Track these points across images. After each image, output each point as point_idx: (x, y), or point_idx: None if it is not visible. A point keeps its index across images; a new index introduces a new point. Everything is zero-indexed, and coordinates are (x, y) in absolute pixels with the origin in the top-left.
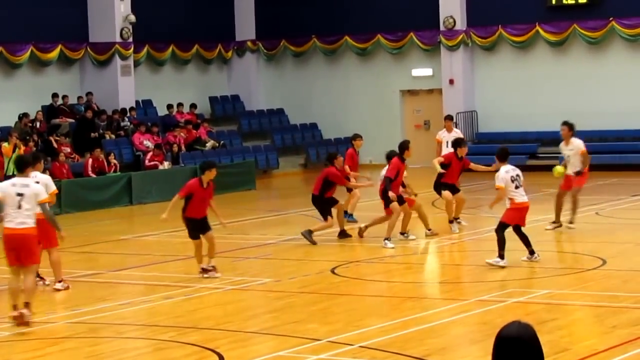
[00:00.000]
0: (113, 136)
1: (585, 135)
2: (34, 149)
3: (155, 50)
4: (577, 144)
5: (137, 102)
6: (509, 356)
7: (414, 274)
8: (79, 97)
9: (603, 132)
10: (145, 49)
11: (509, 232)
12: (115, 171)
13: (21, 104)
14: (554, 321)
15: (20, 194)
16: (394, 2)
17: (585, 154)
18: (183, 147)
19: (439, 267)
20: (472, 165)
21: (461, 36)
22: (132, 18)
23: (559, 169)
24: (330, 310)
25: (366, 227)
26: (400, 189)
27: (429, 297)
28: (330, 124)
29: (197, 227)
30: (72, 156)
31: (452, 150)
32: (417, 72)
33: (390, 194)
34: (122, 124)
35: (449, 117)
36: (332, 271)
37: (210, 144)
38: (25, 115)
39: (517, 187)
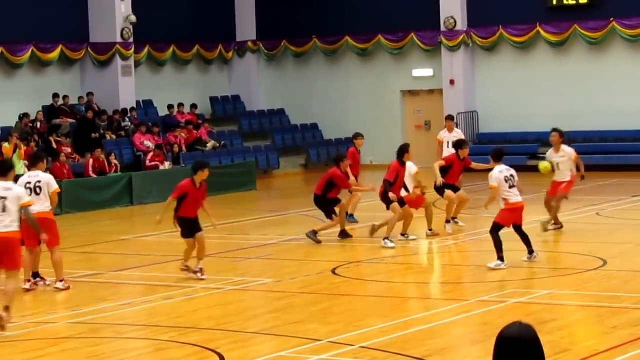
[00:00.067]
0: (114, 136)
1: (585, 136)
2: (36, 149)
3: (156, 50)
4: (569, 151)
5: (137, 102)
6: (510, 357)
7: (414, 275)
8: (80, 98)
9: (603, 133)
10: (146, 50)
11: (509, 233)
12: (116, 171)
13: (22, 105)
14: (555, 322)
15: (3, 198)
16: (394, 3)
17: (579, 159)
18: (184, 148)
19: (440, 268)
20: (474, 165)
21: (462, 36)
22: (133, 18)
23: (546, 164)
24: (331, 310)
25: (380, 225)
26: (402, 191)
27: (430, 298)
28: (330, 124)
29: (189, 226)
30: (73, 156)
31: (453, 151)
32: (417, 72)
33: (391, 194)
34: (122, 124)
35: (449, 117)
36: (333, 272)
37: (211, 144)
38: (25, 115)
39: (511, 187)
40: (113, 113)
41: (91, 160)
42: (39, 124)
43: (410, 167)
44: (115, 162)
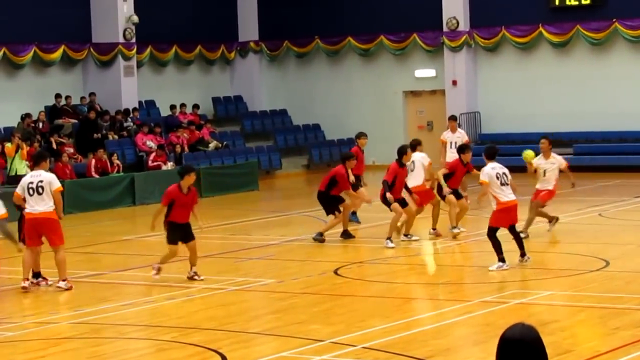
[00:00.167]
0: (116, 137)
1: (587, 137)
2: (39, 149)
3: (158, 50)
4: (559, 159)
5: (140, 102)
6: (513, 358)
7: (416, 275)
8: (82, 98)
9: (606, 134)
10: (148, 50)
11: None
12: (118, 172)
13: (24, 105)
14: (557, 323)
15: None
16: (396, 3)
17: (568, 169)
18: (186, 148)
19: (442, 268)
20: (475, 172)
21: (464, 37)
22: (135, 19)
23: (530, 153)
24: (333, 311)
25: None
26: (404, 192)
27: (432, 298)
28: (333, 124)
29: (178, 232)
30: (75, 157)
31: (456, 151)
32: (420, 73)
33: (388, 195)
34: (125, 124)
35: (452, 118)
36: (335, 272)
37: (213, 144)
38: (27, 115)
39: (502, 184)
40: (115, 113)
41: (93, 161)
42: (41, 124)
43: (423, 159)
44: (118, 162)
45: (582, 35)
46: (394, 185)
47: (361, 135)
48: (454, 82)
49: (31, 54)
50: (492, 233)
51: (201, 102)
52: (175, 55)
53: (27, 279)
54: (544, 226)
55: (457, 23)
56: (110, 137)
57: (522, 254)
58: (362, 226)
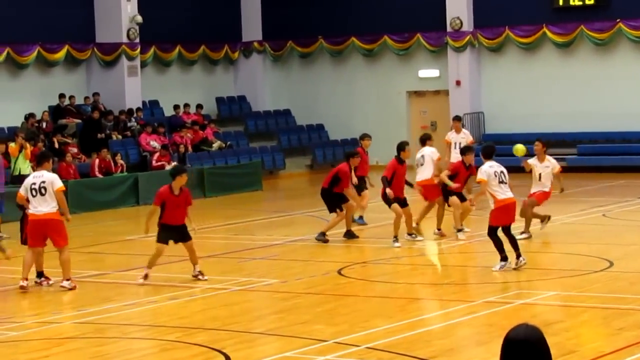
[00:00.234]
0: (120, 137)
1: (591, 137)
2: (43, 149)
3: (162, 50)
4: (553, 162)
5: (143, 102)
6: (517, 359)
7: (420, 276)
8: (86, 98)
9: (610, 134)
10: (151, 50)
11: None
12: (121, 172)
13: (28, 105)
14: (561, 323)
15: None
16: (400, 3)
17: (560, 174)
18: (190, 148)
19: (446, 269)
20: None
21: (468, 37)
22: (139, 19)
23: (520, 147)
24: (336, 311)
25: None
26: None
27: (436, 299)
28: (336, 124)
29: (171, 233)
30: (79, 157)
31: (460, 156)
32: (423, 73)
33: (388, 190)
34: (128, 124)
35: (457, 118)
36: (339, 272)
37: (216, 144)
38: (31, 115)
39: (500, 183)
40: (119, 113)
41: (97, 161)
42: (44, 124)
43: (433, 153)
44: (121, 162)
45: (586, 36)
46: (392, 181)
47: (365, 136)
48: (458, 82)
49: (35, 54)
50: (492, 232)
51: (205, 102)
52: (178, 55)
53: (26, 279)
54: (551, 226)
55: (461, 23)
56: (114, 137)
57: (518, 255)
58: (366, 226)
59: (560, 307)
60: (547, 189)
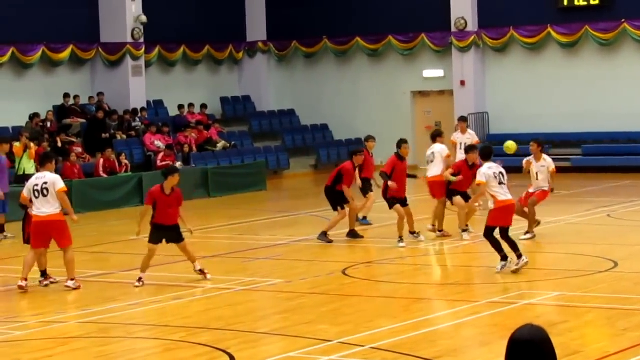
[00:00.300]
0: (124, 136)
1: (596, 137)
2: (48, 148)
3: (167, 50)
4: (549, 161)
5: (148, 102)
6: (523, 359)
7: (424, 276)
8: (90, 98)
9: (614, 134)
10: (156, 50)
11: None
12: (126, 171)
13: (32, 104)
14: (565, 323)
15: (45, 183)
16: (405, 3)
17: (554, 173)
18: (194, 148)
19: (450, 269)
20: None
21: (472, 37)
22: (144, 18)
23: (512, 144)
24: (340, 311)
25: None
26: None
27: (440, 299)
28: (341, 124)
29: (163, 233)
30: (83, 156)
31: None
32: (428, 73)
33: (390, 183)
34: (133, 124)
35: (462, 119)
36: (343, 272)
37: (221, 144)
38: (36, 115)
39: (500, 184)
40: (123, 113)
41: (101, 160)
42: (49, 124)
43: (442, 150)
44: (126, 162)
45: (590, 36)
46: (392, 178)
47: (369, 138)
48: (462, 83)
49: (39, 53)
50: (489, 232)
51: (209, 102)
52: (183, 55)
53: (25, 279)
54: (556, 226)
55: (466, 23)
56: (119, 137)
57: (519, 256)
58: (370, 227)
59: (564, 308)
60: (546, 188)
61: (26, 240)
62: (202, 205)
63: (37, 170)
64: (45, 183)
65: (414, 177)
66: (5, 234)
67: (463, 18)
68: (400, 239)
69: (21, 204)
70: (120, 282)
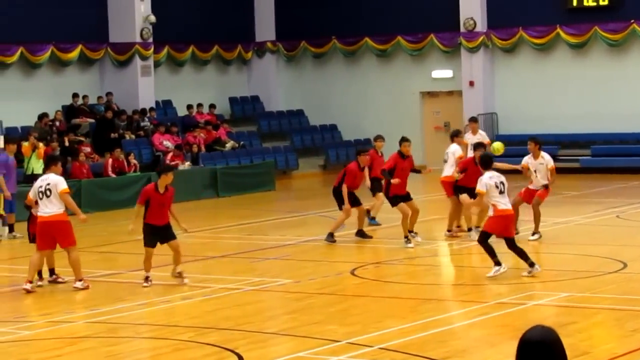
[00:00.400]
0: (133, 136)
1: (605, 138)
2: (58, 148)
3: (175, 50)
4: (547, 158)
5: (156, 102)
6: None
7: (433, 276)
8: (99, 97)
9: (624, 135)
10: (165, 50)
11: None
12: (135, 171)
13: (41, 104)
14: (574, 324)
15: (48, 184)
16: (414, 4)
17: (554, 171)
18: (203, 148)
19: (458, 269)
20: (498, 165)
21: (481, 38)
22: (152, 18)
23: (499, 145)
24: (349, 311)
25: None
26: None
27: (448, 299)
28: (349, 125)
29: (156, 233)
30: (92, 156)
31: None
32: (437, 73)
33: (393, 180)
34: (141, 124)
35: (473, 119)
36: (352, 272)
37: (229, 144)
38: (45, 115)
39: (501, 193)
40: (132, 113)
41: (110, 160)
42: (58, 124)
43: (456, 151)
44: (134, 161)
45: (599, 36)
46: (394, 175)
47: (378, 138)
48: (471, 83)
49: (48, 53)
50: (484, 238)
51: (218, 102)
52: (192, 55)
53: (30, 282)
54: (564, 227)
55: (475, 24)
56: (127, 137)
57: (531, 264)
58: (379, 227)
59: (573, 308)
60: (546, 183)
61: (32, 240)
62: (210, 205)
63: (44, 172)
64: (48, 184)
65: (418, 171)
66: (14, 233)
67: (472, 18)
68: (407, 238)
69: (26, 204)
70: (128, 282)
